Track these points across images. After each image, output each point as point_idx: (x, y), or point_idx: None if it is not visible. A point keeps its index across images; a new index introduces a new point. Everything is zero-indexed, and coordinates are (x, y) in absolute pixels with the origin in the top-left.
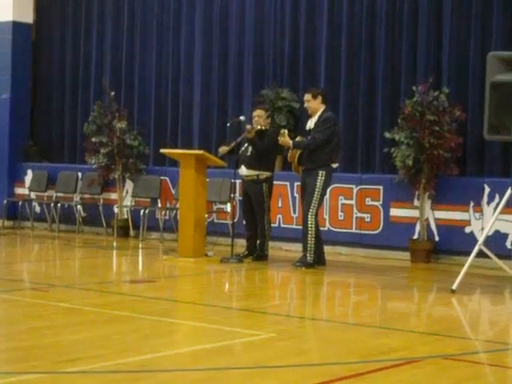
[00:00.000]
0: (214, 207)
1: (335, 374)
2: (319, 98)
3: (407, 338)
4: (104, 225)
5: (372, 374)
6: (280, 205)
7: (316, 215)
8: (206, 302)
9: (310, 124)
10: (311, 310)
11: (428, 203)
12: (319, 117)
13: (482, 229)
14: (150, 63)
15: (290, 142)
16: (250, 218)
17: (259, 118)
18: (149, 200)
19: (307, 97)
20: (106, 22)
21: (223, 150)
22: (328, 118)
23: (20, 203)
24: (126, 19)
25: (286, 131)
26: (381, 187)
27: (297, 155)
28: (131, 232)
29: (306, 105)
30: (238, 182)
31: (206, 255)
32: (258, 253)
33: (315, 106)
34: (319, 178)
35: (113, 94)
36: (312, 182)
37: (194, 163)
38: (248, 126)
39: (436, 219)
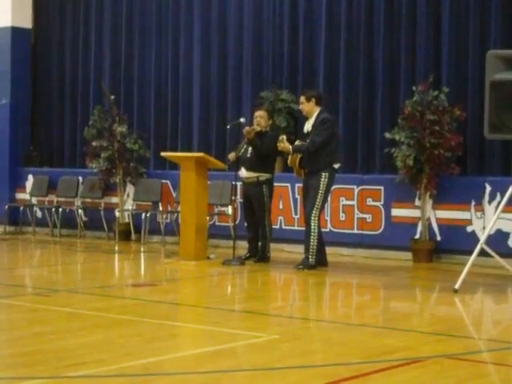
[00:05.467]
0: (216, 210)
1: (338, 375)
2: (312, 101)
3: (410, 338)
4: (105, 229)
5: (375, 374)
6: (281, 206)
7: (319, 217)
8: (208, 305)
9: (308, 126)
10: (314, 311)
11: (429, 203)
12: (316, 119)
13: (484, 228)
14: (149, 67)
15: (290, 147)
16: (251, 220)
17: (261, 119)
18: (150, 203)
19: (301, 99)
20: (104, 27)
21: (232, 156)
22: (325, 120)
23: (21, 208)
24: (124, 23)
25: (285, 137)
26: (382, 187)
27: (297, 160)
28: (133, 236)
29: (300, 106)
30: (238, 184)
31: (208, 258)
32: (259, 255)
33: (308, 109)
34: (322, 179)
35: (113, 97)
36: (315, 184)
37: (195, 166)
38: (246, 128)
39: (437, 219)
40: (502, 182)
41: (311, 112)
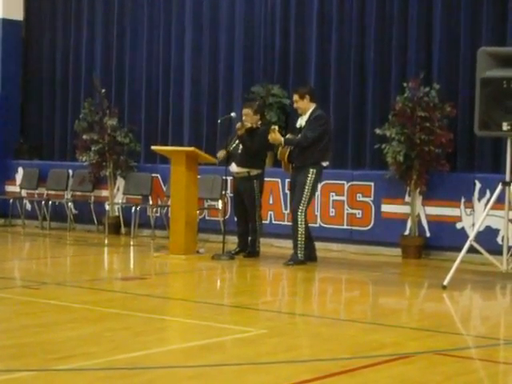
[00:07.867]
0: (206, 204)
1: (326, 370)
2: (307, 98)
3: (398, 334)
4: (95, 222)
5: (363, 369)
6: (271, 201)
7: (305, 212)
8: (197, 299)
9: (301, 122)
10: (302, 306)
11: (419, 199)
12: (310, 115)
13: (473, 224)
14: (140, 60)
15: (281, 138)
16: (241, 215)
17: (246, 117)
18: (140, 197)
19: (295, 97)
20: (96, 20)
21: (221, 153)
22: (319, 116)
23: (11, 201)
24: (116, 17)
25: (277, 127)
26: (372, 183)
27: (287, 153)
28: (122, 229)
29: (294, 105)
30: (229, 178)
31: (198, 252)
32: (249, 249)
33: (304, 106)
34: (309, 175)
35: (103, 91)
36: (302, 180)
37: (185, 160)
38: (238, 124)
39: (427, 215)
40: (492, 179)
41: (306, 109)
